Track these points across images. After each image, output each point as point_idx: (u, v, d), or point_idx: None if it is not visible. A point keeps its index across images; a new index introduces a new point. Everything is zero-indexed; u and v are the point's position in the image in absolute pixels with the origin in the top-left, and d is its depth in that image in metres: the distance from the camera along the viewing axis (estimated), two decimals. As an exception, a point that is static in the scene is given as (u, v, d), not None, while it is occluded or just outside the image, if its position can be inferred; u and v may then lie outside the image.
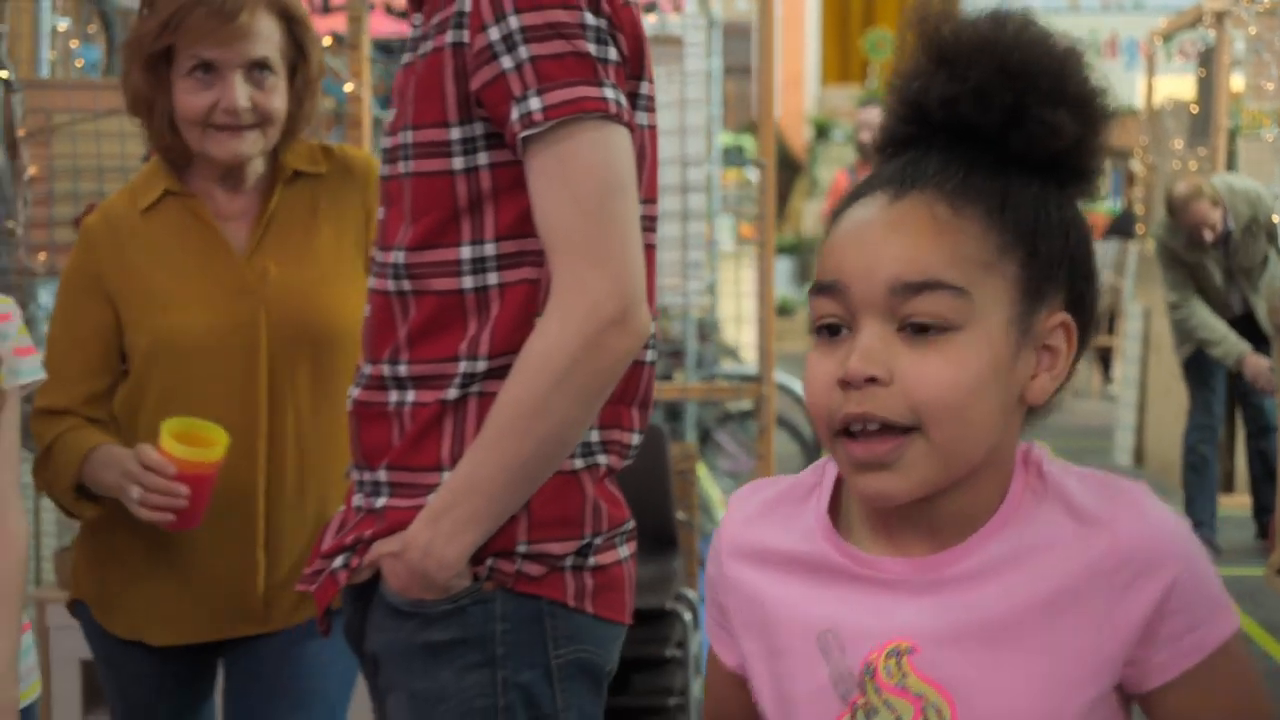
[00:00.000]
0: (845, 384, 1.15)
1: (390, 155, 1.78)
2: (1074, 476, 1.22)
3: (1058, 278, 1.20)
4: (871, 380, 1.14)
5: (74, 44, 5.85)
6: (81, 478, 2.30)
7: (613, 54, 1.67)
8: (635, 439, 1.79)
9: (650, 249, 1.76)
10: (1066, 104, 1.18)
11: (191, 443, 2.23)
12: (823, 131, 16.41)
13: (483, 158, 1.69)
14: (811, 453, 7.19)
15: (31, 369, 2.26)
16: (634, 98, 1.73)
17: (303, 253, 2.38)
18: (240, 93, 2.29)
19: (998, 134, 1.18)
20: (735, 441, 7.07)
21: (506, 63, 1.63)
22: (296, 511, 2.33)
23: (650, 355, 1.78)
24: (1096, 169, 1.23)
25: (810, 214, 15.18)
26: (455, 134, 1.69)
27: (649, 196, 1.76)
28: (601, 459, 1.75)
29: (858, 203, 1.20)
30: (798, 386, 7.06)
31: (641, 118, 1.75)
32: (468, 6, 1.67)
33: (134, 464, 2.22)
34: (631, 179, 1.67)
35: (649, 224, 1.77)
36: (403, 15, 4.49)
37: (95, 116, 3.87)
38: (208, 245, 2.37)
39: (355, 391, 1.81)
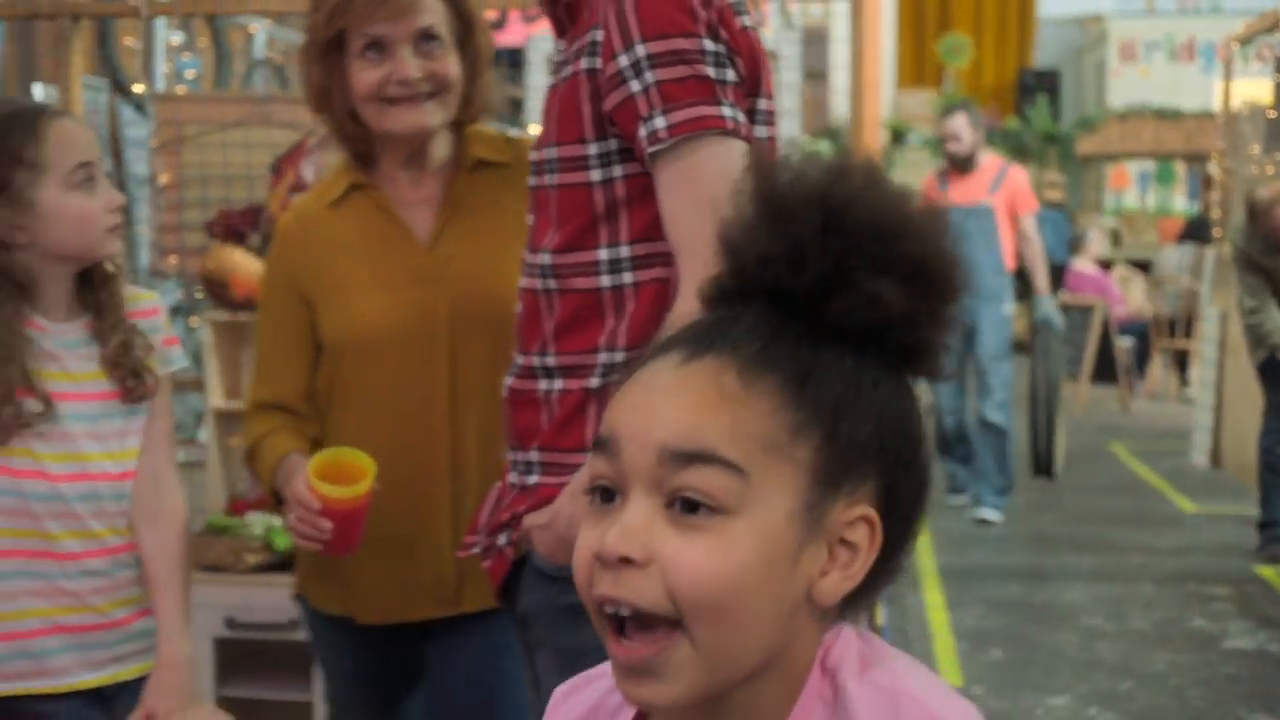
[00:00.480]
0: (600, 560, 1.04)
1: (538, 168, 1.97)
2: (869, 693, 1.07)
3: (861, 466, 1.06)
4: (627, 561, 1.02)
5: (186, 56, 6.13)
6: (274, 484, 2.45)
7: (730, 75, 1.84)
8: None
9: None
10: (894, 272, 1.05)
11: (341, 474, 2.34)
12: (898, 136, 16.49)
13: (617, 170, 1.88)
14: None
15: (179, 357, 2.50)
16: (752, 113, 1.91)
17: (484, 240, 2.43)
18: (410, 63, 2.34)
19: (814, 300, 1.06)
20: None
21: (635, 86, 1.81)
22: (481, 492, 2.41)
23: None
24: (931, 345, 1.09)
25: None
26: (592, 150, 1.88)
27: None
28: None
29: (654, 359, 1.08)
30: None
31: (760, 131, 1.92)
32: (600, 36, 1.86)
33: (289, 492, 2.37)
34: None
35: None
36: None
37: (223, 128, 4.12)
38: (391, 234, 2.45)
39: (509, 380, 2.00)
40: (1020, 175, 7.66)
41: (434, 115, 2.38)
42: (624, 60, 1.82)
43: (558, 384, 1.93)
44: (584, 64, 1.88)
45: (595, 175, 1.89)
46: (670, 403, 1.04)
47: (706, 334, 1.07)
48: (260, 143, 4.09)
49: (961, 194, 7.30)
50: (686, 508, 1.02)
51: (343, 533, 2.33)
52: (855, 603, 1.09)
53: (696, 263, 1.76)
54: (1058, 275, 13.11)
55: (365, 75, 2.35)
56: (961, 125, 7.35)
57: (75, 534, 2.32)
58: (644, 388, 1.07)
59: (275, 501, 2.48)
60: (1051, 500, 8.10)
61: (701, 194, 1.78)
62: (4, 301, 2.28)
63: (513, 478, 2.00)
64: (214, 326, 3.92)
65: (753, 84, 1.91)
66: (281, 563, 3.62)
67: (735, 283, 1.10)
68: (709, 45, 1.82)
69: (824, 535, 1.05)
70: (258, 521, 3.81)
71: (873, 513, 1.06)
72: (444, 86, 2.37)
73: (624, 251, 1.90)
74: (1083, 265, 12.12)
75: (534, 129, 4.24)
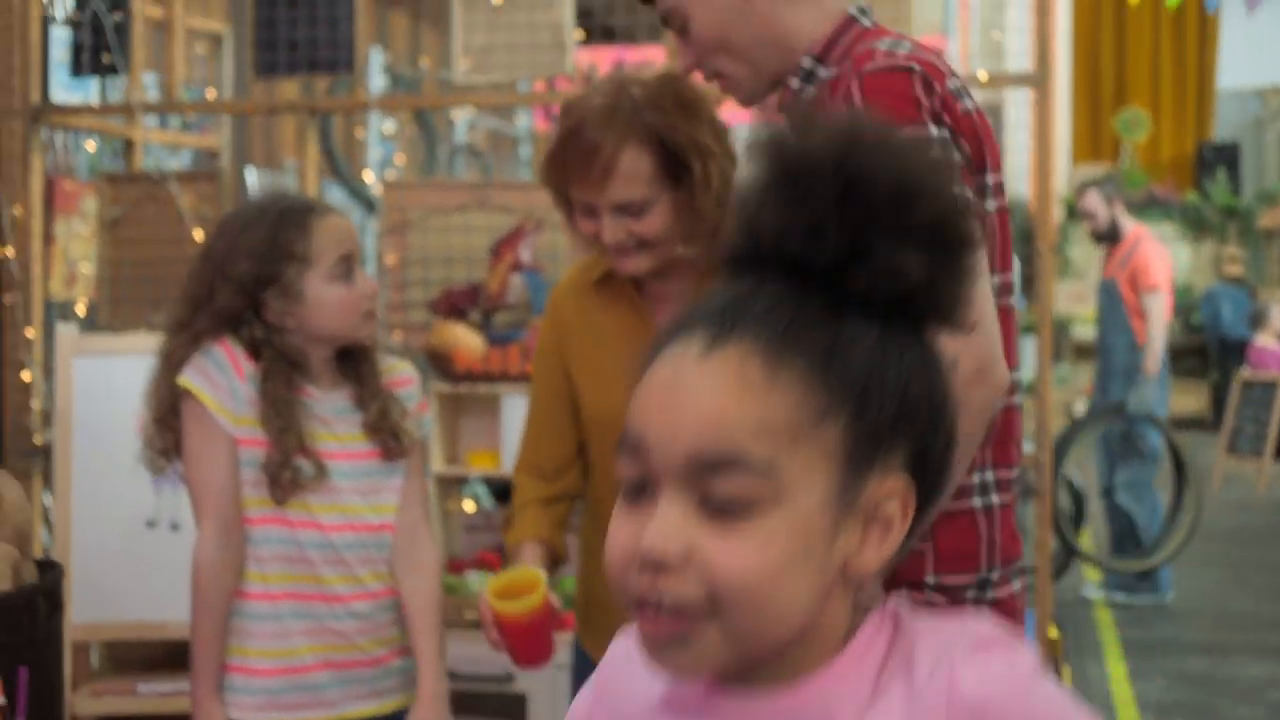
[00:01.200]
0: (639, 561, 1.02)
1: None
2: (928, 626, 1.07)
3: (893, 438, 1.04)
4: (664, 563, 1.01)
5: (396, 143, 6.52)
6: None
7: (955, 157, 1.99)
8: (1015, 473, 2.10)
9: (1007, 310, 2.05)
10: (915, 238, 1.02)
11: (517, 592, 2.42)
12: (1074, 211, 16.45)
13: None
14: (1070, 525, 7.41)
15: (428, 424, 2.78)
16: (982, 189, 2.05)
17: None
18: (612, 231, 2.41)
19: (835, 272, 1.02)
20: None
21: None
22: None
23: (1018, 399, 2.08)
24: (954, 299, 1.06)
25: (1063, 294, 15.23)
26: None
27: (1003, 267, 2.08)
28: (995, 498, 2.03)
29: (676, 339, 1.06)
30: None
31: (989, 204, 2.07)
32: None
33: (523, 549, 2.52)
34: (981, 259, 2.01)
35: (1005, 290, 2.08)
36: None
37: (445, 212, 4.43)
38: (638, 330, 2.53)
39: None
40: (1147, 249, 7.49)
41: (648, 263, 2.45)
42: None
43: None
44: None
45: None
46: (694, 402, 1.01)
47: (727, 314, 1.03)
48: (479, 226, 4.39)
49: (1108, 268, 7.40)
50: (720, 507, 1.00)
51: (523, 645, 2.43)
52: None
53: None
54: (1239, 351, 12.97)
55: (583, 225, 2.46)
56: (1094, 202, 7.40)
57: (344, 579, 2.60)
58: (667, 386, 1.03)
59: None
60: (1238, 576, 8.06)
61: None
62: (280, 377, 2.58)
63: None
64: (437, 397, 4.22)
65: (978, 161, 2.02)
66: (499, 618, 3.88)
67: (753, 256, 1.05)
68: (933, 130, 1.95)
69: (859, 513, 1.03)
70: (476, 579, 4.08)
71: (904, 482, 1.04)
72: (649, 244, 2.43)
73: None
74: (1265, 341, 11.97)
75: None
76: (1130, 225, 7.54)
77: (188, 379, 2.54)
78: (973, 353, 1.92)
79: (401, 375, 2.74)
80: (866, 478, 1.03)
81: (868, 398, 1.02)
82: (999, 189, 2.07)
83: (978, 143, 2.02)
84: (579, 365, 2.60)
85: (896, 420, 1.03)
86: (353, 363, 2.67)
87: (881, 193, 1.01)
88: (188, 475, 2.59)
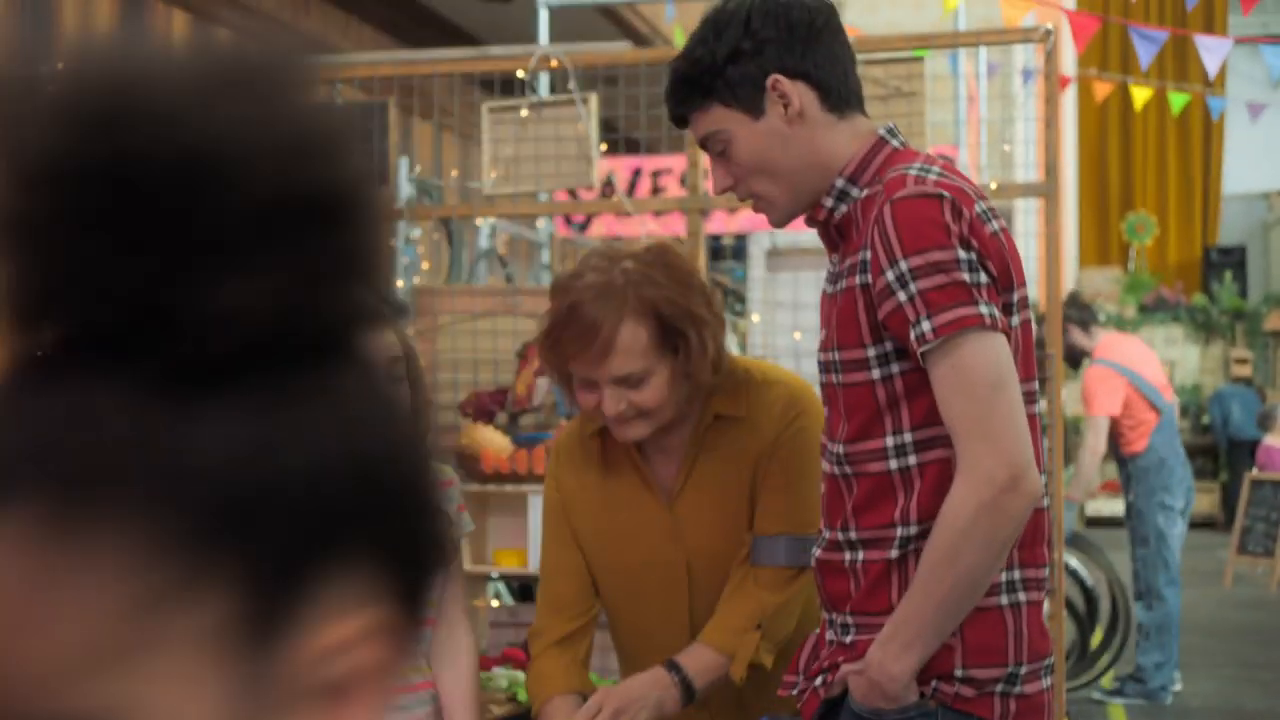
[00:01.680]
0: None
1: (825, 367, 2.26)
2: None
3: (327, 559, 0.60)
4: None
5: (420, 249, 6.67)
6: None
7: (983, 278, 2.07)
8: (1045, 572, 2.19)
9: (1032, 418, 2.16)
10: (264, 254, 0.58)
11: None
12: (1082, 312, 16.60)
13: (894, 368, 2.13)
14: (1084, 623, 7.46)
15: (468, 522, 2.90)
16: (1008, 306, 2.16)
17: (718, 499, 2.60)
18: (613, 403, 2.47)
19: (132, 339, 0.58)
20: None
21: (902, 296, 2.06)
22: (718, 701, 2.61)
23: (1047, 501, 2.19)
24: (357, 318, 0.63)
25: (1072, 396, 15.33)
26: (871, 352, 2.14)
27: (1026, 376, 2.18)
28: (1022, 596, 2.14)
29: None
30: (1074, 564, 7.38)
31: (1015, 319, 2.17)
32: (869, 256, 2.11)
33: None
34: (1010, 372, 2.06)
35: (1029, 397, 2.18)
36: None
37: (474, 317, 4.58)
38: (636, 487, 2.64)
39: (817, 551, 2.30)
40: (1091, 375, 7.51)
41: (646, 428, 2.51)
42: (890, 275, 2.07)
43: (861, 555, 2.18)
44: (858, 280, 2.13)
45: (876, 374, 2.14)
46: None
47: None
48: (506, 330, 4.53)
49: None
50: None
51: None
52: None
53: (969, 444, 2.04)
54: (1248, 452, 13.05)
55: (584, 398, 2.52)
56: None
57: (383, 672, 2.70)
58: None
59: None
60: (1251, 675, 8.10)
61: (968, 384, 2.04)
62: None
63: (831, 634, 2.28)
64: (465, 496, 4.33)
65: (1005, 280, 2.12)
66: (524, 713, 3.96)
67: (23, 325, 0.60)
68: (962, 254, 2.06)
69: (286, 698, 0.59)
70: (502, 675, 4.16)
71: (368, 615, 0.61)
72: (647, 413, 2.49)
73: (907, 438, 2.13)
74: (1273, 441, 12.08)
75: (755, 318, 4.62)
76: (1093, 342, 7.55)
77: None
78: (1005, 461, 2.03)
79: (443, 478, 2.87)
80: (282, 645, 0.59)
81: (252, 523, 0.58)
82: (1023, 304, 2.18)
83: (1004, 263, 2.13)
84: (582, 526, 2.70)
85: (328, 525, 0.60)
86: None
87: (181, 185, 0.56)
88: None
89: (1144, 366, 7.46)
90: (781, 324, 4.41)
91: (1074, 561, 7.39)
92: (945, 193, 2.08)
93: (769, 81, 2.22)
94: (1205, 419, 16.24)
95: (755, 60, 2.23)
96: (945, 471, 2.12)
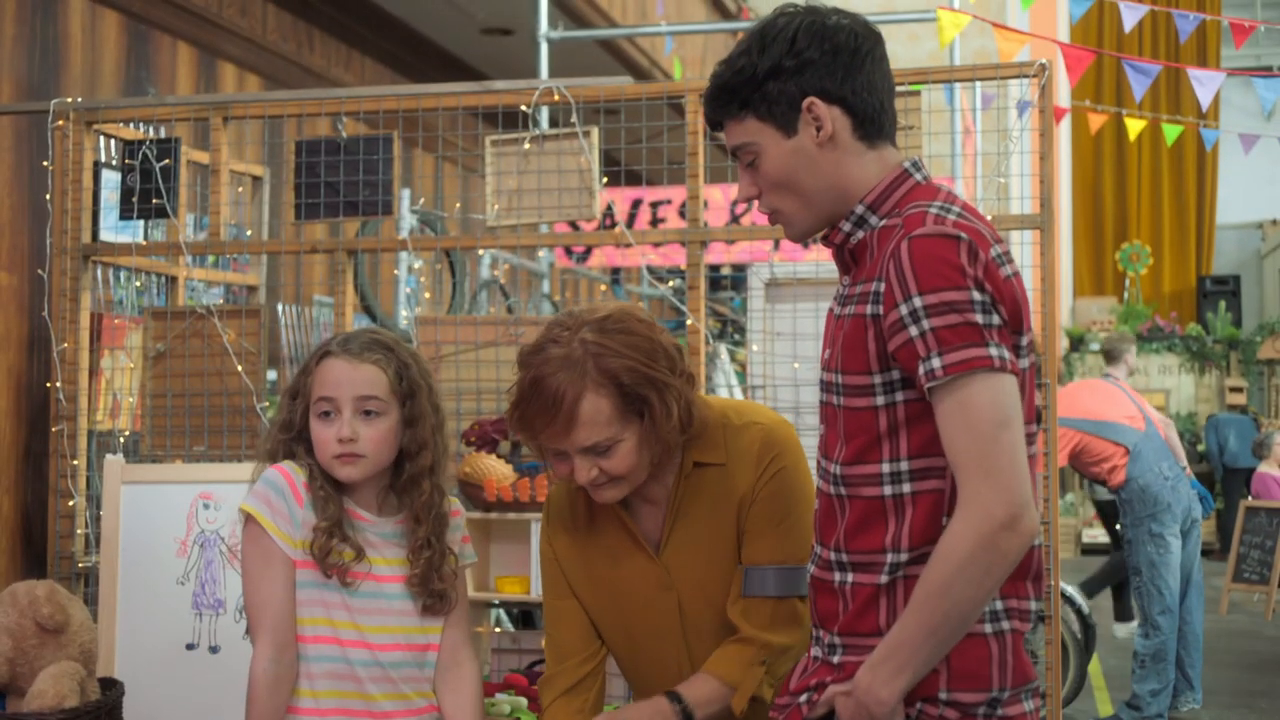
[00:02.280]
0: None
1: (825, 387, 2.31)
2: None
3: None
4: None
5: (423, 279, 6.74)
6: None
7: (995, 320, 2.10)
8: (1033, 605, 2.21)
9: (1032, 459, 2.20)
10: None
11: None
12: (1077, 342, 16.67)
13: (898, 396, 2.16)
14: (1082, 651, 7.50)
15: (473, 554, 2.95)
16: (1016, 348, 2.19)
17: (704, 545, 2.66)
18: (584, 472, 2.54)
19: None
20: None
21: (913, 331, 2.09)
22: None
23: (1040, 539, 2.21)
24: None
25: (1068, 422, 15.36)
26: (877, 380, 2.18)
27: (1029, 418, 2.22)
28: (1006, 624, 2.17)
29: None
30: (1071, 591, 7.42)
31: (1023, 362, 2.21)
32: (882, 288, 2.14)
33: None
34: (1016, 413, 2.08)
35: (1030, 439, 2.18)
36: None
37: (476, 347, 4.63)
38: (624, 538, 2.71)
39: (811, 567, 2.34)
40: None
41: (618, 493, 2.59)
42: (904, 309, 2.10)
43: (850, 577, 2.22)
44: (868, 310, 2.17)
45: (879, 400, 2.18)
46: None
47: None
48: (508, 360, 4.56)
49: None
50: None
51: None
52: None
53: (971, 480, 2.06)
54: (1244, 480, 13.07)
55: (558, 467, 2.60)
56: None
57: (390, 695, 2.74)
58: None
59: None
60: (1248, 704, 8.12)
61: (973, 422, 2.06)
62: (329, 501, 2.74)
63: (817, 651, 2.33)
64: (469, 524, 4.36)
65: (1015, 323, 2.15)
66: (527, 738, 4.00)
67: None
68: (976, 296, 2.09)
69: None
70: (505, 701, 4.20)
71: None
72: (621, 478, 2.56)
73: (903, 465, 2.17)
74: (1268, 469, 12.12)
75: (754, 348, 4.67)
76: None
77: (249, 504, 2.72)
78: (1006, 499, 2.06)
79: (450, 508, 2.92)
80: None
81: None
82: (1031, 347, 2.22)
83: (1016, 307, 2.16)
84: (576, 578, 2.77)
85: None
86: (407, 494, 2.83)
87: None
88: (246, 594, 2.74)
89: (1103, 407, 7.66)
90: (781, 354, 4.46)
91: (1070, 589, 7.43)
92: (963, 234, 2.11)
93: (806, 102, 2.25)
94: (1201, 446, 16.29)
95: (795, 79, 2.25)
96: (938, 502, 2.16)
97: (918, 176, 2.29)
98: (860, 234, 2.27)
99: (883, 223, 2.24)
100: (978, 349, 2.08)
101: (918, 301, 2.09)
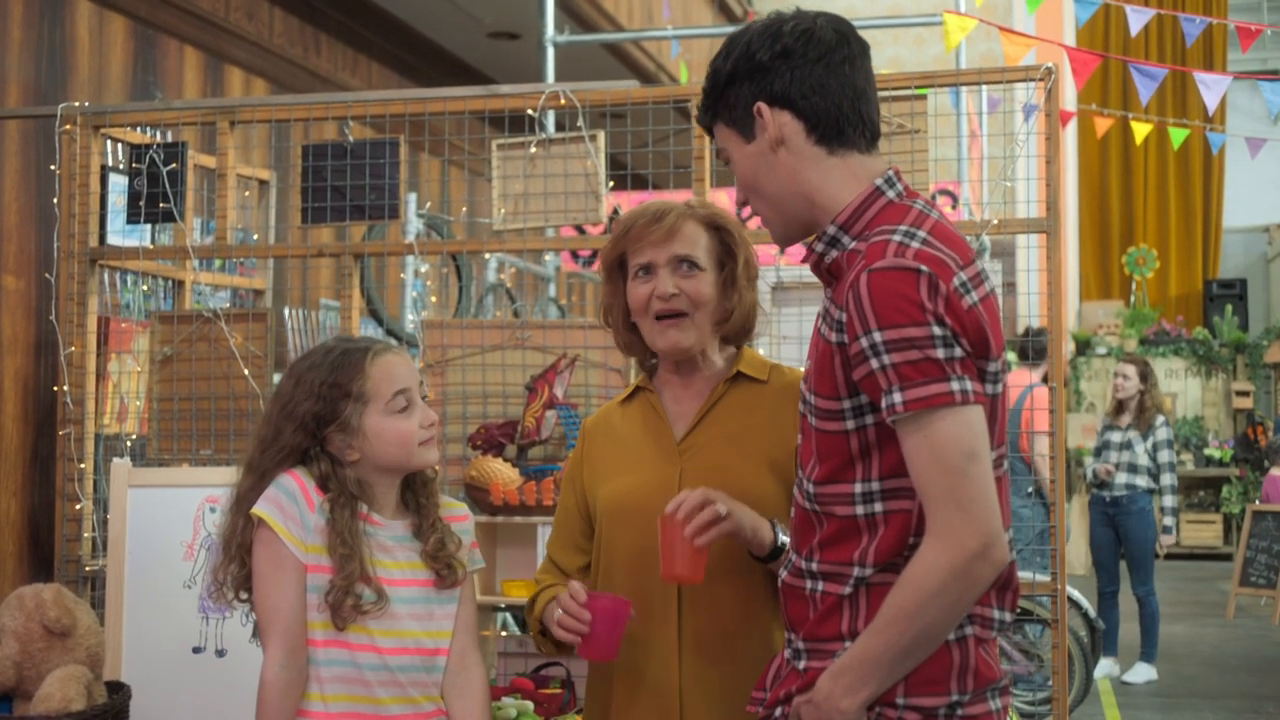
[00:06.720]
0: None
1: (802, 399, 2.32)
2: None
3: None
4: None
5: (429, 283, 6.76)
6: (543, 619, 2.81)
7: (958, 352, 2.08)
8: (997, 614, 2.22)
9: (1000, 481, 2.20)
10: None
11: None
12: (1083, 346, 16.66)
13: (868, 419, 2.17)
14: (1087, 656, 7.48)
15: (480, 560, 2.95)
16: (983, 374, 2.18)
17: (728, 437, 2.73)
18: (667, 282, 2.71)
19: None
20: (1009, 643, 7.40)
21: (874, 364, 2.09)
22: (707, 625, 2.67)
23: (1012, 554, 2.23)
24: None
25: (1074, 427, 15.37)
26: (846, 405, 2.19)
27: (1000, 442, 2.23)
28: (969, 630, 2.18)
29: None
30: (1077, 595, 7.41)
31: (990, 388, 2.20)
32: (845, 318, 2.14)
33: (562, 593, 2.67)
34: (983, 444, 2.08)
35: (999, 462, 2.23)
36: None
37: (482, 350, 4.63)
38: (652, 428, 2.80)
39: (783, 573, 2.37)
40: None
41: (689, 334, 2.72)
42: (864, 342, 2.10)
43: (820, 586, 2.25)
44: (834, 337, 2.18)
45: (849, 424, 2.19)
46: None
47: None
48: (515, 364, 4.57)
49: None
50: None
51: (601, 634, 2.59)
52: None
53: (942, 511, 2.07)
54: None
55: (636, 291, 2.75)
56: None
57: (398, 699, 2.75)
58: None
59: (541, 635, 2.82)
60: (1254, 707, 8.11)
61: (940, 455, 2.06)
62: (345, 508, 2.76)
63: (788, 653, 2.36)
64: (475, 528, 4.36)
65: (982, 349, 2.13)
66: (534, 741, 4.00)
67: None
68: (936, 331, 2.06)
69: None
70: (511, 705, 4.20)
71: None
72: (697, 304, 2.72)
73: (875, 485, 2.19)
74: (1277, 472, 12.11)
75: (762, 350, 4.68)
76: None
77: (261, 509, 2.73)
78: (978, 530, 2.07)
79: (457, 513, 2.93)
80: None
81: None
82: (1000, 373, 2.21)
83: (982, 335, 2.14)
84: (595, 473, 2.83)
85: None
86: (414, 494, 2.86)
87: None
88: (257, 598, 2.75)
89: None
90: (787, 358, 4.46)
91: (1076, 594, 7.42)
92: (924, 267, 2.08)
93: (755, 107, 2.27)
94: (1207, 451, 16.27)
95: (748, 84, 2.27)
96: (907, 522, 2.18)
97: (890, 194, 2.26)
98: (834, 254, 2.27)
99: (854, 244, 2.23)
100: (939, 384, 2.07)
101: (877, 336, 2.09)
